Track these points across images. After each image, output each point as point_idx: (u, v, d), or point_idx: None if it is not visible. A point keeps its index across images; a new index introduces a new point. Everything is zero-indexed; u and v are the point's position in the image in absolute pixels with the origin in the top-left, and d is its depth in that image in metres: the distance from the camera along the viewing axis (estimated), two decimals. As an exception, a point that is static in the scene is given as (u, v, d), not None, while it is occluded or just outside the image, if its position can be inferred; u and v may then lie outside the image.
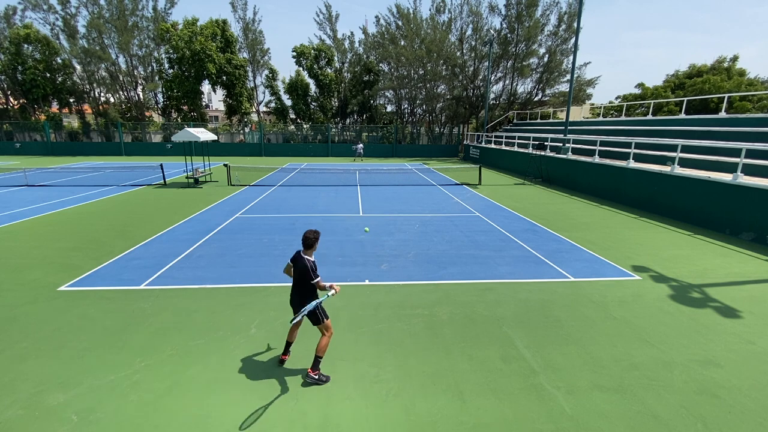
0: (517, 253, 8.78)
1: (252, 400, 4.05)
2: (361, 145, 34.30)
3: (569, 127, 21.83)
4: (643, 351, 4.98)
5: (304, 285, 4.26)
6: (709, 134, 14.78)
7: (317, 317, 4.30)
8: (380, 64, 40.31)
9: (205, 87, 40.48)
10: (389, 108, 44.23)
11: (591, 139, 18.13)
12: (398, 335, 5.34)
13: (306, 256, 4.24)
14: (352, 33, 72.54)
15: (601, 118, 27.35)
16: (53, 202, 14.02)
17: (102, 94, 39.94)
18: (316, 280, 4.14)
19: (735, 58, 34.49)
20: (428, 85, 38.44)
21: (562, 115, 32.55)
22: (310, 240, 4.28)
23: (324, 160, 34.24)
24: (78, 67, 37.52)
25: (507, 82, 38.23)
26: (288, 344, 4.68)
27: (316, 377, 4.26)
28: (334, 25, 40.42)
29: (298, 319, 3.94)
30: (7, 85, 36.85)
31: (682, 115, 18.50)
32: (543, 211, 13.17)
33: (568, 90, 21.73)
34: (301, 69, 39.61)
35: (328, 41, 40.65)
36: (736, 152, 11.26)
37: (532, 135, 25.23)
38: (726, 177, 10.93)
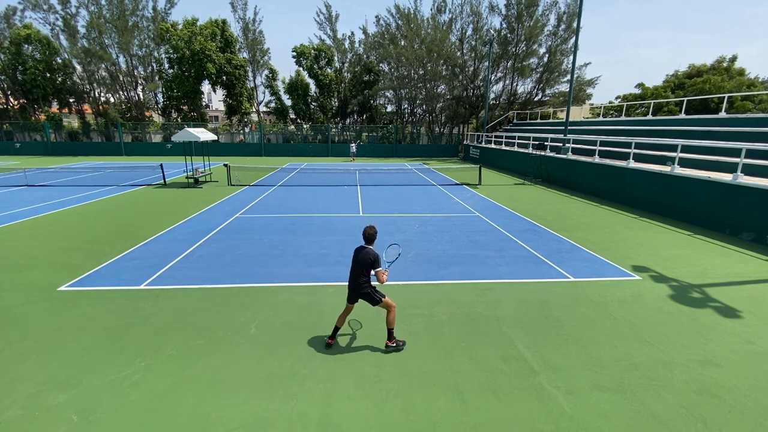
0: (517, 253, 8.78)
1: (252, 400, 4.05)
2: (354, 144, 34.29)
3: (569, 127, 21.82)
4: (643, 351, 4.98)
5: (362, 273, 4.78)
6: (709, 134, 14.77)
7: (374, 299, 4.82)
8: (380, 64, 40.31)
9: (205, 87, 40.57)
10: (389, 108, 44.27)
11: (591, 139, 18.13)
12: (398, 335, 5.33)
13: (371, 248, 4.81)
14: (352, 33, 72.53)
15: (601, 118, 27.34)
16: (53, 202, 14.02)
17: (102, 94, 39.96)
18: (378, 270, 4.71)
19: (734, 58, 34.48)
20: (428, 85, 38.44)
21: (562, 115, 32.55)
22: (373, 236, 4.87)
23: (324, 160, 34.24)
24: (78, 67, 37.54)
25: (507, 82, 38.26)
26: (336, 329, 5.08)
27: (394, 345, 4.96)
28: (334, 25, 40.44)
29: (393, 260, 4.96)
30: (7, 85, 36.86)
31: (682, 115, 18.50)
32: (543, 211, 13.17)
33: (568, 90, 21.73)
34: (301, 69, 39.63)
35: (328, 41, 40.69)
36: (736, 152, 11.25)
37: (532, 135, 25.23)
38: (726, 177, 10.92)
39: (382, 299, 4.85)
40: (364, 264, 4.73)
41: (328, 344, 5.05)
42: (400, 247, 5.05)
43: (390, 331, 4.95)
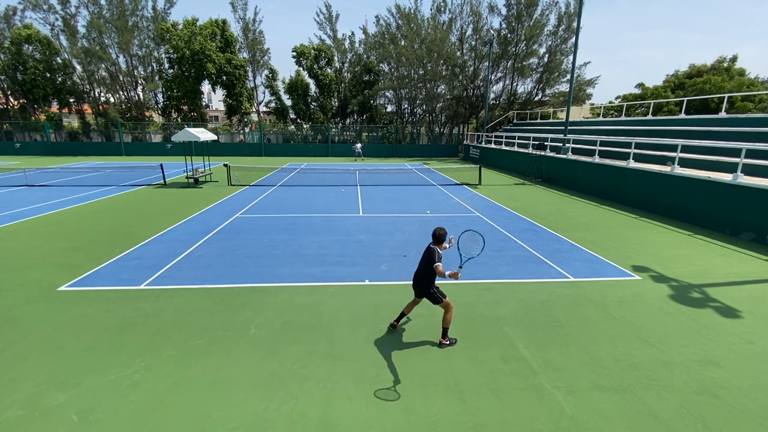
0: (517, 253, 8.78)
1: (252, 400, 4.05)
2: (360, 144, 34.28)
3: (569, 127, 21.82)
4: (643, 351, 4.98)
5: (426, 270, 4.94)
6: (709, 134, 14.77)
7: (436, 298, 5.00)
8: (380, 64, 40.31)
9: (205, 87, 40.53)
10: (389, 108, 44.24)
11: (591, 139, 18.13)
12: (398, 335, 5.34)
13: (436, 247, 4.94)
14: (352, 33, 72.52)
15: (601, 118, 27.34)
16: (53, 202, 14.02)
17: (102, 94, 39.94)
18: (436, 264, 4.78)
19: (734, 58, 34.50)
20: (428, 85, 38.44)
21: (562, 115, 32.55)
22: (442, 236, 5.00)
23: (324, 160, 34.25)
24: (78, 67, 37.53)
25: (507, 82, 38.26)
26: (402, 314, 5.44)
27: (447, 342, 5.12)
28: (334, 25, 40.43)
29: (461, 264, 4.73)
30: (7, 85, 36.86)
31: (682, 115, 18.50)
32: (543, 211, 13.16)
33: (568, 90, 21.73)
34: (301, 69, 39.62)
35: (328, 41, 40.68)
36: (736, 152, 11.25)
37: (532, 135, 25.23)
38: (726, 177, 10.92)
39: (443, 300, 5.01)
40: (426, 262, 4.94)
41: (392, 326, 5.39)
42: (482, 240, 4.65)
43: (445, 330, 5.11)
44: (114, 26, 36.03)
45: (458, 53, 36.74)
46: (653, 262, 8.27)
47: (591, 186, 16.49)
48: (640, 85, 39.32)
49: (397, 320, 5.43)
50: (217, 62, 36.53)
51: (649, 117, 20.86)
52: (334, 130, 40.09)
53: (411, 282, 5.26)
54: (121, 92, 39.53)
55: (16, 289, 6.70)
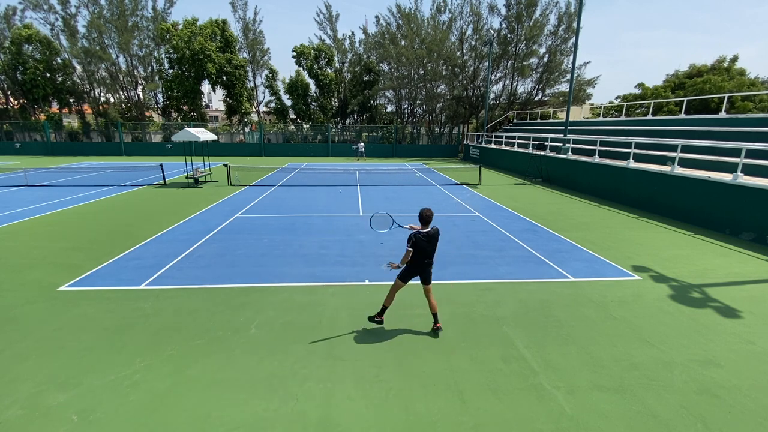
0: (517, 253, 8.78)
1: (252, 400, 4.05)
2: (362, 144, 34.22)
3: (569, 127, 21.82)
4: (643, 351, 4.98)
5: (430, 255, 5.17)
6: (709, 134, 14.77)
7: (430, 278, 5.29)
8: (380, 64, 40.32)
9: (205, 87, 40.56)
10: (389, 108, 44.27)
11: (591, 139, 18.13)
12: (398, 335, 5.34)
13: (425, 230, 5.14)
14: (352, 33, 72.50)
15: (601, 118, 27.34)
16: (53, 202, 14.02)
17: (102, 94, 39.97)
18: (409, 249, 5.08)
19: (735, 59, 34.49)
20: (428, 85, 38.45)
21: (562, 115, 32.54)
22: (430, 217, 5.17)
23: (324, 160, 34.25)
24: (78, 67, 37.56)
25: (507, 82, 38.27)
26: (384, 308, 5.45)
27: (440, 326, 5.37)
28: (334, 25, 40.47)
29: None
30: (7, 85, 36.87)
31: (682, 115, 18.50)
32: (543, 211, 13.16)
33: (568, 90, 21.73)
34: (301, 69, 39.64)
35: (328, 41, 40.71)
36: (736, 152, 11.25)
37: (532, 135, 25.23)
38: (726, 177, 10.92)
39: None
40: (435, 243, 5.19)
41: (380, 321, 5.47)
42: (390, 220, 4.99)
43: (436, 315, 5.35)
44: (114, 26, 36.05)
45: (458, 53, 36.75)
46: (653, 262, 8.27)
47: (591, 186, 16.49)
48: (640, 85, 39.28)
49: (381, 314, 5.50)
50: (217, 62, 36.54)
51: (649, 117, 20.86)
52: (334, 130, 40.10)
53: (411, 281, 5.27)
54: (121, 92, 39.55)
55: (16, 289, 6.70)
